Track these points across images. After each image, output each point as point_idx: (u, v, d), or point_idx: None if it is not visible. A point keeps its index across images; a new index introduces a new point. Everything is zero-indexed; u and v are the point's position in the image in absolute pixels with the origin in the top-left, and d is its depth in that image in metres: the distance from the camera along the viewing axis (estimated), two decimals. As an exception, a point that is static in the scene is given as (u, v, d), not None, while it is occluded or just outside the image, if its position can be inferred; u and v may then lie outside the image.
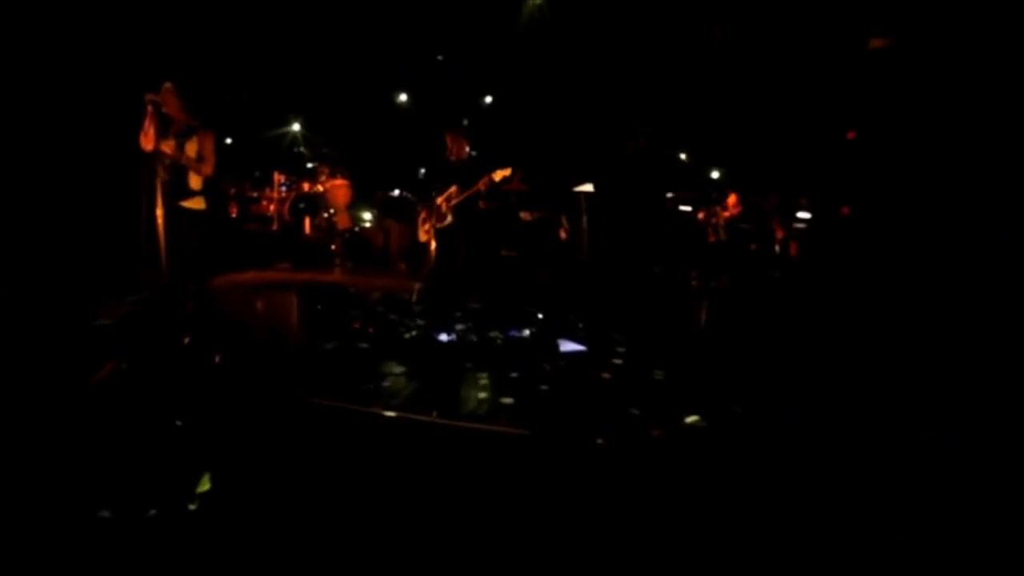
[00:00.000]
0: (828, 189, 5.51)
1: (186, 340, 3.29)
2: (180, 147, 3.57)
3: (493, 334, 3.77)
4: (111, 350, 2.90)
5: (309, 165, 8.85)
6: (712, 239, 7.59)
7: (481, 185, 4.42)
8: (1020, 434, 2.40)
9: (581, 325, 4.17)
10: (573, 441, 2.22)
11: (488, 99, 10.03)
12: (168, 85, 3.55)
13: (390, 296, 5.02)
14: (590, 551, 1.65)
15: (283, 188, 8.19)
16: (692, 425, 2.38)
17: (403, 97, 10.23)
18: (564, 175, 6.61)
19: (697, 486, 1.98)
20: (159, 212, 3.55)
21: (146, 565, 1.54)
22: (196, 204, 3.67)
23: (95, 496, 1.73)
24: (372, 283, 5.86)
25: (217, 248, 4.14)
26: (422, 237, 5.14)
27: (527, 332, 3.90)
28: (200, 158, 3.62)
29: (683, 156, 11.02)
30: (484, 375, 3.00)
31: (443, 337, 3.73)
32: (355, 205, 8.22)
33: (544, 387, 2.85)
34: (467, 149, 4.76)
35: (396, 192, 8.24)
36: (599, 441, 2.19)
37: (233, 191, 8.11)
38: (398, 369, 3.07)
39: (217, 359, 3.06)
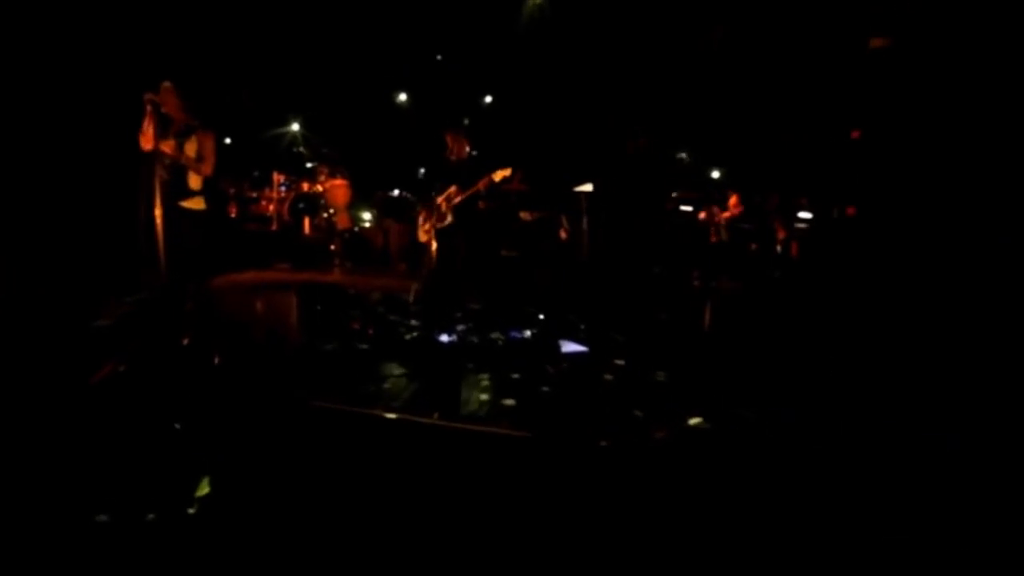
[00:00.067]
0: (829, 189, 5.51)
1: (185, 341, 3.28)
2: (179, 147, 3.55)
3: (494, 335, 3.76)
4: (110, 351, 2.89)
5: (308, 165, 8.84)
6: (713, 239, 7.59)
7: (481, 186, 4.41)
8: (1020, 434, 2.39)
9: (582, 326, 4.15)
10: (576, 443, 2.21)
11: (488, 99, 10.02)
12: (167, 84, 3.53)
13: (390, 296, 5.01)
14: (593, 554, 1.63)
15: (282, 188, 8.17)
16: (695, 427, 2.37)
17: (403, 97, 10.23)
18: (564, 175, 6.60)
19: (701, 489, 1.96)
20: (158, 212, 3.53)
21: (144, 569, 1.52)
22: (196, 204, 3.66)
23: (93, 499, 1.71)
24: (372, 283, 5.85)
25: (216, 248, 4.13)
26: (422, 237, 5.13)
27: (528, 333, 3.88)
28: (200, 158, 3.60)
29: (683, 156, 11.02)
30: (485, 376, 2.99)
31: (444, 338, 3.71)
32: (355, 205, 8.20)
33: (546, 388, 2.84)
34: (467, 149, 4.75)
35: (396, 192, 8.24)
36: (603, 443, 2.17)
37: (232, 191, 8.10)
38: (398, 370, 3.05)
39: (216, 360, 3.04)
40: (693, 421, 2.42)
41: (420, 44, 8.96)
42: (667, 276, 6.35)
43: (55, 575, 1.50)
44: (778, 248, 7.63)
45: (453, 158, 4.77)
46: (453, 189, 4.66)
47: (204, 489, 1.78)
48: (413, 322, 4.14)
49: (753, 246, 7.80)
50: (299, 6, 7.76)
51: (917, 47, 4.48)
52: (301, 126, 10.24)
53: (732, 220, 7.61)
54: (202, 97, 3.82)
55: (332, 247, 7.52)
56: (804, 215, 7.09)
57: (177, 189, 3.59)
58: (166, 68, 3.71)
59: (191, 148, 3.58)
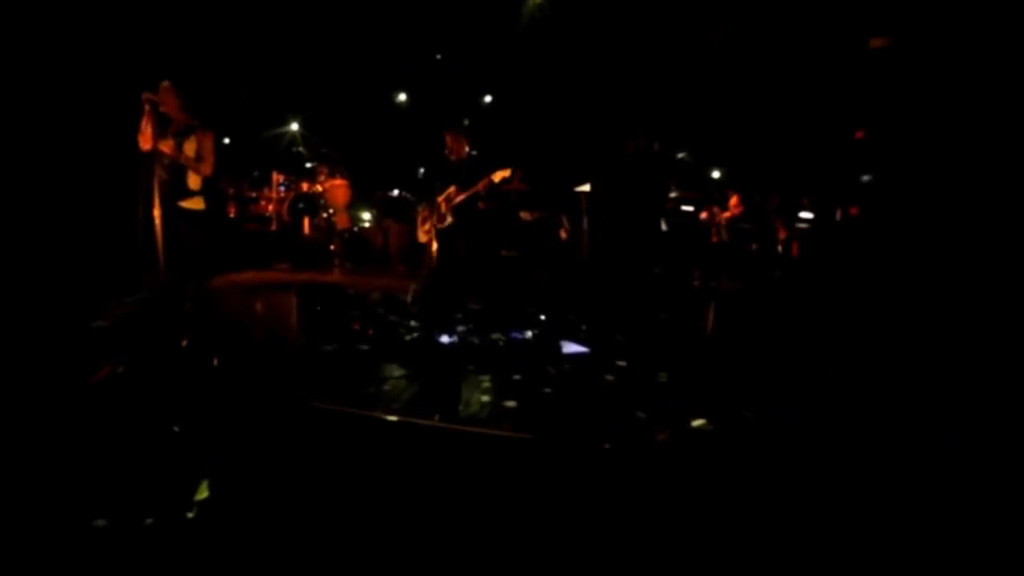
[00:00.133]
0: (831, 189, 5.50)
1: (184, 342, 3.26)
2: (179, 147, 3.54)
3: (495, 336, 3.75)
4: (109, 351, 2.87)
5: (308, 165, 8.84)
6: (714, 239, 7.58)
7: (480, 187, 4.40)
8: (1020, 434, 2.38)
9: (583, 326, 4.14)
10: (578, 445, 2.19)
11: (488, 99, 10.01)
12: (166, 84, 3.52)
13: (390, 297, 4.99)
14: (595, 558, 1.62)
15: (282, 188, 8.17)
16: (698, 429, 2.36)
17: (402, 97, 10.21)
18: (564, 175, 6.59)
19: (705, 491, 1.95)
20: (157, 212, 3.52)
21: (144, 570, 1.51)
22: (195, 204, 3.64)
23: (91, 503, 1.70)
24: (371, 284, 5.84)
25: (216, 249, 4.11)
26: (421, 237, 5.11)
27: (529, 334, 3.87)
28: (199, 158, 3.59)
29: (683, 156, 11.02)
30: (486, 378, 2.98)
31: (444, 339, 3.70)
32: (354, 205, 8.19)
33: (548, 390, 2.82)
34: (467, 149, 4.73)
35: (395, 192, 8.23)
36: (606, 446, 2.16)
37: (232, 191, 8.09)
38: (398, 372, 3.04)
39: (215, 361, 3.03)
40: (696, 423, 2.40)
41: (420, 44, 8.94)
42: (667, 276, 6.34)
43: (53, 579, 1.49)
44: (779, 248, 7.63)
45: (453, 158, 4.75)
46: (453, 189, 4.64)
47: (203, 492, 1.76)
48: (413, 323, 4.13)
49: (754, 246, 7.79)
50: (299, 6, 7.74)
51: (917, 47, 4.47)
52: (300, 126, 10.22)
53: (733, 220, 7.60)
54: (201, 97, 3.80)
55: (332, 247, 7.51)
56: (805, 215, 7.09)
57: (176, 189, 3.58)
58: (165, 67, 3.69)
59: (190, 148, 3.57)
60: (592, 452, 2.15)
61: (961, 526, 1.77)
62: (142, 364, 2.80)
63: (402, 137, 9.18)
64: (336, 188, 7.73)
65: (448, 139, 4.76)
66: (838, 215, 5.08)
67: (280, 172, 8.30)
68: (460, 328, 3.95)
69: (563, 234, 6.42)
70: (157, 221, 3.51)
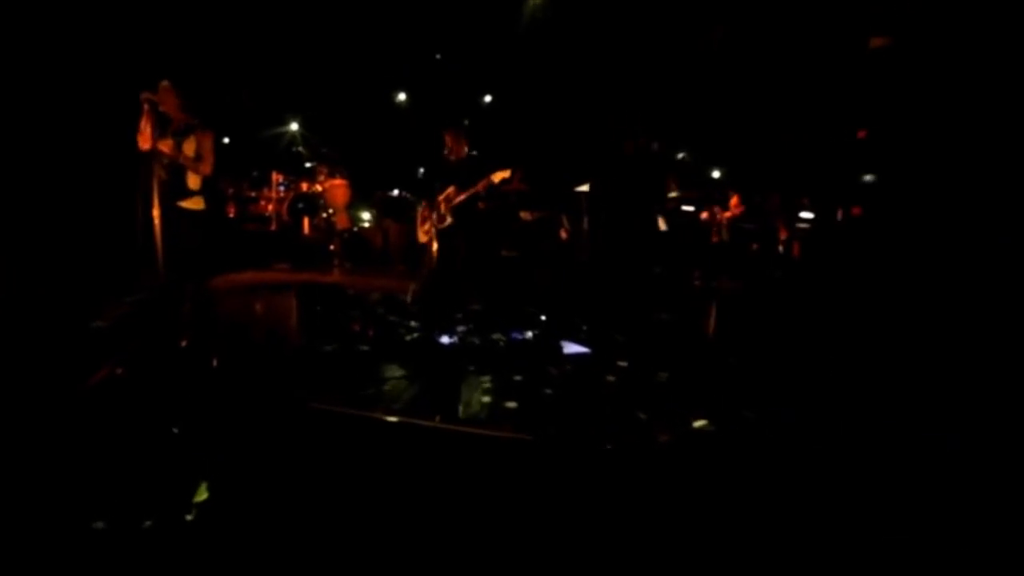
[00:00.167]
0: (832, 189, 5.50)
1: (183, 342, 3.25)
2: (178, 146, 3.53)
3: (495, 336, 3.73)
4: (108, 352, 2.86)
5: (308, 165, 8.80)
6: (715, 239, 7.58)
7: (480, 187, 4.39)
8: (1020, 434, 2.38)
9: (584, 327, 4.13)
10: (579, 447, 2.18)
11: (488, 99, 10.00)
12: (165, 83, 3.51)
13: (390, 297, 4.98)
14: (596, 560, 1.61)
15: (281, 188, 8.14)
16: (700, 430, 2.35)
17: (402, 96, 10.20)
18: (564, 175, 6.58)
19: (707, 494, 1.94)
20: (156, 212, 3.51)
21: (143, 572, 1.50)
22: (195, 204, 3.63)
23: (90, 505, 1.69)
24: (371, 284, 5.83)
25: (215, 249, 4.10)
26: (421, 238, 5.10)
27: (530, 334, 3.86)
28: (198, 157, 3.58)
29: (683, 156, 11.02)
30: (487, 378, 2.97)
31: (444, 339, 3.69)
32: (354, 205, 8.18)
33: (549, 391, 2.81)
34: (466, 149, 4.72)
35: (395, 192, 8.22)
36: (608, 447, 2.15)
37: (231, 191, 8.07)
38: (399, 372, 3.03)
39: (214, 362, 3.02)
40: (698, 423, 2.40)
41: (420, 44, 8.93)
42: (668, 276, 6.33)
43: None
44: (780, 248, 7.62)
45: (452, 158, 4.74)
46: (452, 190, 4.63)
47: (202, 495, 1.75)
48: (413, 323, 4.12)
49: (754, 246, 7.79)
50: (299, 5, 7.73)
51: (917, 47, 4.47)
52: (300, 125, 10.19)
53: (733, 220, 7.60)
54: (200, 96, 3.80)
55: (331, 247, 7.50)
56: (806, 215, 7.09)
57: (175, 189, 3.57)
58: (164, 67, 3.68)
59: (189, 147, 3.56)
60: (594, 453, 2.14)
61: (961, 526, 1.77)
62: (141, 365, 2.79)
63: (402, 137, 9.17)
64: (336, 188, 7.72)
65: (448, 139, 4.75)
66: (839, 215, 5.08)
67: (280, 172, 8.27)
68: (460, 328, 3.94)
69: (563, 234, 6.42)
70: (156, 221, 3.50)
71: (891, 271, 4.41)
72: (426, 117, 8.97)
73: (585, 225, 6.10)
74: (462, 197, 4.53)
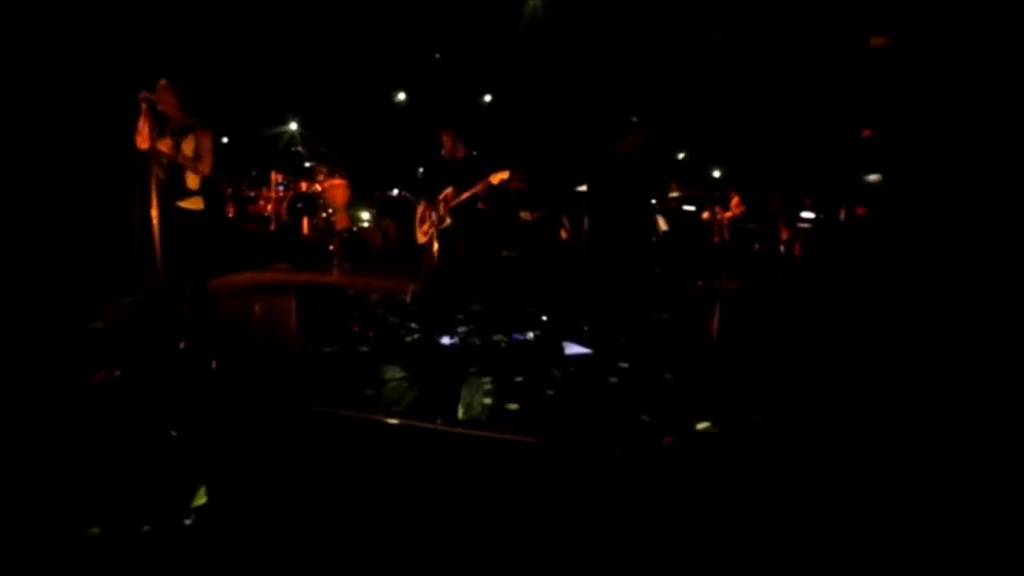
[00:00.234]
0: (832, 189, 5.49)
1: (182, 343, 3.23)
2: (176, 146, 3.50)
3: (497, 337, 3.72)
4: (105, 354, 2.84)
5: (307, 164, 8.77)
6: (716, 239, 7.56)
7: (478, 188, 4.37)
8: (1020, 434, 2.37)
9: (585, 327, 4.12)
10: (585, 450, 2.17)
11: (488, 98, 9.98)
12: (163, 82, 3.48)
13: (390, 298, 4.96)
14: (602, 565, 1.59)
15: (281, 188, 8.12)
16: (704, 432, 2.33)
17: (402, 96, 10.18)
18: (564, 175, 6.57)
19: (712, 497, 1.92)
20: (155, 212, 3.48)
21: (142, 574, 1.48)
22: (194, 204, 3.61)
23: (87, 509, 1.67)
24: (371, 284, 5.81)
25: (214, 249, 4.08)
26: (420, 239, 5.08)
27: (531, 335, 3.84)
28: (197, 157, 3.55)
29: (683, 156, 11.02)
30: (488, 380, 2.95)
31: (445, 340, 3.67)
32: (353, 205, 8.16)
33: (551, 392, 2.79)
34: (463, 148, 4.69)
35: (395, 192, 8.19)
36: (614, 450, 2.13)
37: (230, 191, 8.04)
38: (399, 374, 3.01)
39: (213, 363, 3.00)
40: (701, 426, 2.38)
41: (419, 43, 8.92)
42: (669, 276, 6.32)
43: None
44: (781, 248, 7.61)
45: (449, 158, 4.72)
46: (450, 190, 4.61)
47: (201, 499, 1.73)
48: (414, 324, 4.10)
49: (756, 246, 7.78)
50: (298, 5, 7.71)
51: (917, 46, 4.47)
52: (299, 125, 10.16)
53: (735, 220, 7.59)
54: (199, 95, 3.77)
55: (331, 247, 7.47)
56: (807, 215, 7.08)
57: (174, 189, 3.55)
58: (162, 66, 3.65)
59: (188, 147, 3.54)
60: (599, 457, 2.12)
61: (961, 526, 1.76)
62: (139, 366, 2.77)
63: (401, 137, 9.15)
64: (335, 188, 7.70)
65: (445, 139, 4.73)
66: (842, 215, 5.07)
67: (279, 171, 8.25)
68: (461, 329, 3.92)
69: (563, 234, 6.40)
70: (155, 221, 3.47)
71: (892, 271, 4.40)
72: (426, 117, 8.96)
73: (585, 225, 6.08)
74: (461, 198, 4.51)
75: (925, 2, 4.55)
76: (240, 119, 8.36)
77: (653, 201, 6.05)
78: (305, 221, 7.75)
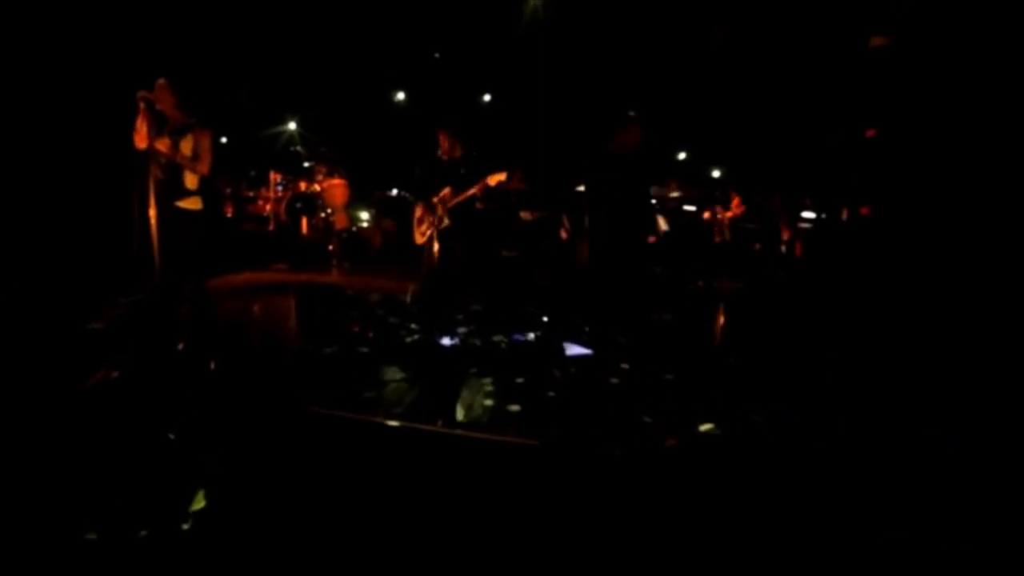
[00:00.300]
0: (833, 189, 5.49)
1: (180, 344, 3.21)
2: (175, 145, 3.49)
3: (497, 338, 3.70)
4: (104, 354, 2.82)
5: (306, 164, 8.76)
6: (717, 239, 7.56)
7: (475, 190, 4.35)
8: (1020, 434, 2.37)
9: (586, 328, 4.11)
10: (586, 451, 2.15)
11: (487, 98, 9.98)
12: (162, 82, 3.47)
13: (389, 298, 4.95)
14: (603, 567, 1.58)
15: (279, 188, 8.10)
16: (707, 433, 2.32)
17: (401, 96, 10.17)
18: (564, 175, 6.56)
19: (715, 499, 1.91)
20: (153, 212, 3.47)
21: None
22: (192, 204, 3.60)
23: (84, 512, 1.65)
24: (370, 284, 5.80)
25: (213, 249, 4.06)
26: (418, 239, 5.06)
27: (531, 336, 3.83)
28: (195, 157, 3.54)
29: (684, 156, 11.02)
30: (489, 381, 2.93)
31: (445, 341, 3.66)
32: (352, 205, 8.15)
33: (552, 394, 2.78)
34: (460, 149, 4.68)
35: (394, 192, 8.17)
36: (616, 452, 2.12)
37: (229, 190, 8.03)
38: (399, 375, 2.99)
39: (212, 364, 2.98)
40: (704, 427, 2.37)
41: (419, 43, 8.90)
42: (669, 276, 6.32)
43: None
44: (782, 248, 7.61)
45: (446, 158, 4.70)
46: (447, 191, 4.59)
47: (199, 502, 1.72)
48: (414, 325, 4.08)
49: (757, 246, 7.78)
50: (298, 5, 7.70)
51: (917, 46, 4.46)
52: (298, 125, 10.15)
53: (735, 220, 7.58)
54: (198, 95, 3.76)
55: (330, 247, 7.46)
56: (808, 215, 7.08)
57: (173, 188, 3.53)
58: (161, 65, 3.64)
59: (187, 147, 3.52)
60: (601, 458, 2.11)
61: (961, 526, 1.76)
62: (138, 367, 2.76)
63: (401, 137, 9.13)
64: (334, 188, 7.68)
65: (441, 139, 4.72)
66: (843, 215, 5.07)
67: (278, 171, 8.23)
68: (461, 330, 3.91)
69: (563, 234, 6.39)
70: (153, 221, 3.46)
71: (892, 271, 4.40)
72: (425, 117, 8.95)
73: (586, 225, 6.07)
74: (458, 199, 4.50)
75: (925, 2, 4.55)
76: (239, 119, 8.34)
77: (653, 201, 6.05)
78: (304, 221, 7.74)
